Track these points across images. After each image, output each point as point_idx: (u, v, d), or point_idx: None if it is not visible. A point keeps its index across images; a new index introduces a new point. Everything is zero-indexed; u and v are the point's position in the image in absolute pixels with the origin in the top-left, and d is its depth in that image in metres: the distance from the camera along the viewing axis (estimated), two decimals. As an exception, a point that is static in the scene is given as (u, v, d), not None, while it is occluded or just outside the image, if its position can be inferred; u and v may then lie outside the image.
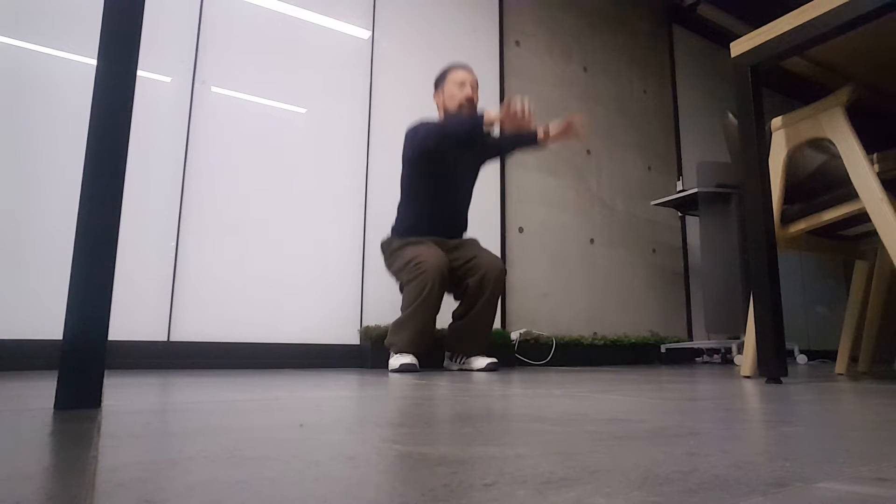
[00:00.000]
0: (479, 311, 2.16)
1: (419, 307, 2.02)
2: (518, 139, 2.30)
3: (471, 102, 2.26)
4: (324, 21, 2.66)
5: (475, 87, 2.31)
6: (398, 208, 2.31)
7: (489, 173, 3.08)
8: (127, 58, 0.82)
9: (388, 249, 2.26)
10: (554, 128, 2.22)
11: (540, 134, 2.24)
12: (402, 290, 2.15)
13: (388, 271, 2.28)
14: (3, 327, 1.82)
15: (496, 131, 2.24)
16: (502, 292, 2.25)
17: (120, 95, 0.80)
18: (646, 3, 4.26)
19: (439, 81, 2.36)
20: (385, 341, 2.14)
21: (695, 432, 0.58)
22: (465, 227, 2.38)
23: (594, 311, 3.46)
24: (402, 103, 2.82)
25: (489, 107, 3.16)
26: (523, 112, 1.98)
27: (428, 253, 2.06)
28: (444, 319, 2.23)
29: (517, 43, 3.43)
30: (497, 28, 3.29)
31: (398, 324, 2.08)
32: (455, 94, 2.27)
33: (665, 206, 3.71)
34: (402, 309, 2.09)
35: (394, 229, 2.28)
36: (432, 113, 2.40)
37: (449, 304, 2.23)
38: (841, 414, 0.75)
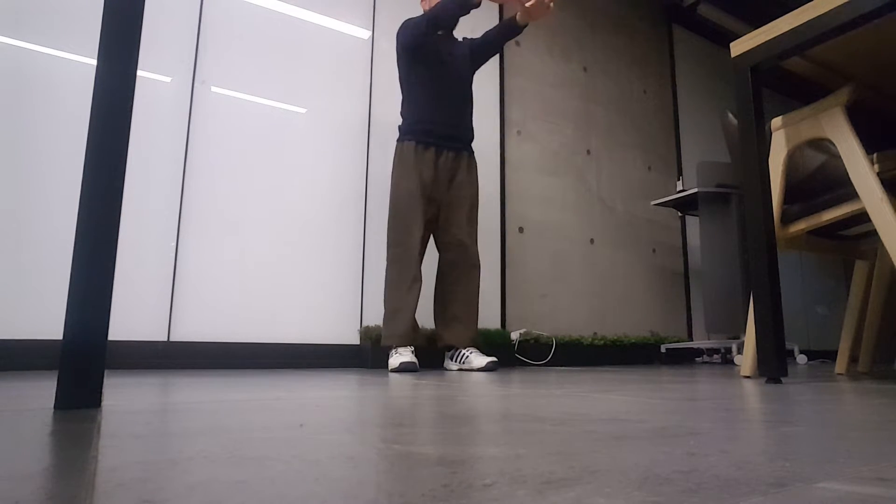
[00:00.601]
0: (463, 297, 2.25)
1: (404, 297, 2.11)
2: (502, 30, 2.36)
3: None
4: (324, 21, 2.66)
5: None
6: (401, 111, 2.36)
7: (490, 173, 3.08)
8: (127, 58, 0.82)
9: (395, 160, 2.29)
10: (523, 2, 2.24)
11: (518, 17, 2.28)
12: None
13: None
14: (3, 327, 1.82)
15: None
16: (479, 273, 2.29)
17: (120, 95, 0.80)
18: (646, 3, 4.26)
19: None
20: (381, 342, 2.16)
21: (695, 432, 0.58)
22: (470, 136, 2.40)
23: (594, 311, 3.46)
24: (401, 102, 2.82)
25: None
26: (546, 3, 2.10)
27: (411, 232, 2.16)
28: (429, 310, 2.24)
29: (517, 43, 3.43)
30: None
31: (389, 319, 2.15)
32: None
33: (665, 206, 3.71)
34: (386, 297, 2.18)
35: (400, 129, 2.33)
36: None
37: (430, 280, 2.26)
38: (841, 414, 0.75)
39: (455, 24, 2.39)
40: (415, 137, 2.26)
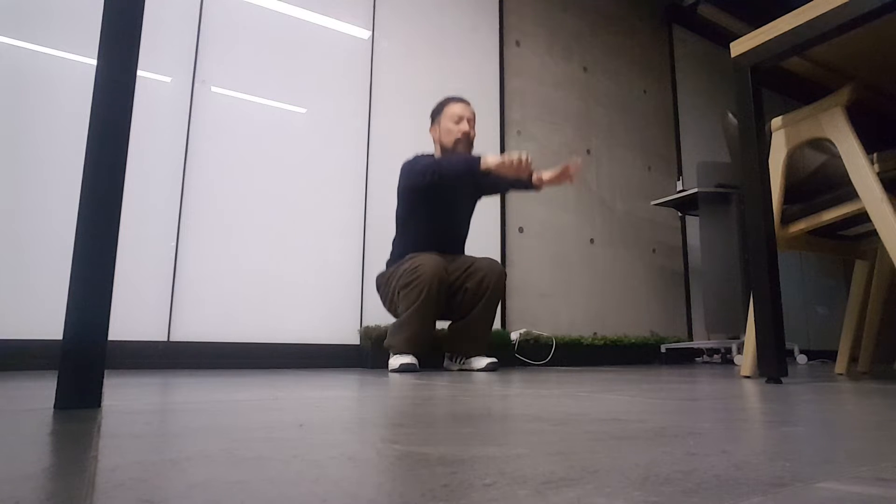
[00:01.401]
0: (479, 312, 2.15)
1: (418, 308, 2.01)
2: (515, 182, 2.26)
3: (467, 138, 2.24)
4: (324, 21, 2.66)
5: (472, 121, 2.28)
6: (393, 242, 2.29)
7: (489, 173, 3.07)
8: (127, 58, 0.82)
9: (384, 279, 2.22)
10: (548, 174, 2.17)
11: (535, 179, 2.18)
12: (396, 313, 2.14)
13: (385, 305, 2.24)
14: (3, 327, 1.82)
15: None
16: (502, 295, 2.24)
17: (120, 95, 0.80)
18: (646, 3, 4.26)
19: (435, 114, 2.32)
20: (384, 343, 2.14)
21: (695, 432, 0.58)
22: (462, 252, 2.35)
23: (594, 311, 3.46)
24: (402, 103, 2.82)
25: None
26: (522, 164, 1.96)
27: (425, 257, 2.05)
28: (443, 321, 2.23)
29: (517, 43, 3.43)
30: (497, 28, 3.29)
31: (397, 325, 2.08)
32: (451, 129, 2.23)
33: (665, 206, 3.71)
34: (401, 311, 2.08)
35: (388, 264, 2.26)
36: (431, 110, 2.39)
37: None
38: (841, 414, 0.75)
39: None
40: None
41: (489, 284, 2.14)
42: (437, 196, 2.20)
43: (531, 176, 2.17)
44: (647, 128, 4.06)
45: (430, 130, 2.35)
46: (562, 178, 2.16)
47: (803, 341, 4.52)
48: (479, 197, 2.41)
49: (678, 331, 3.87)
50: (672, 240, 4.02)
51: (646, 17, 4.25)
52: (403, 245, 2.24)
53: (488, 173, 2.06)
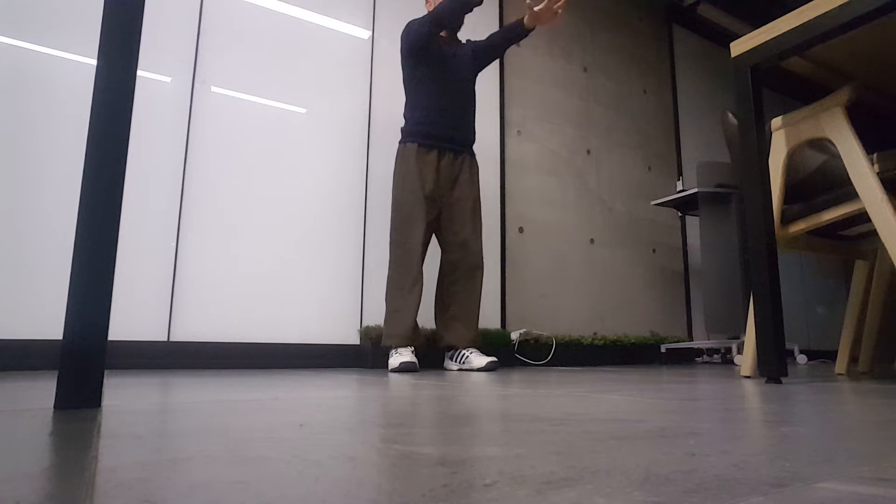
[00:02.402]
0: (464, 297, 2.24)
1: (405, 297, 2.11)
2: (507, 34, 2.36)
3: None
4: (324, 21, 2.66)
5: None
6: (404, 113, 2.36)
7: (490, 173, 3.08)
8: (127, 58, 0.82)
9: (397, 161, 2.30)
10: (536, 8, 2.24)
11: (526, 20, 2.28)
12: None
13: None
14: (3, 327, 1.82)
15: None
16: (482, 273, 2.29)
17: (120, 95, 0.80)
18: (646, 3, 4.26)
19: None
20: (381, 342, 2.16)
21: (695, 432, 0.58)
22: (472, 138, 2.40)
23: (594, 311, 3.46)
24: (402, 103, 2.82)
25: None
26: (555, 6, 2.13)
27: (413, 233, 2.16)
28: (430, 313, 2.23)
29: (517, 43, 3.42)
30: (497, 28, 3.28)
31: (389, 319, 2.15)
32: None
33: (665, 206, 3.71)
34: (388, 298, 2.17)
35: (402, 131, 2.33)
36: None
37: (431, 282, 2.25)
38: (841, 414, 0.75)
39: (460, 24, 2.39)
40: (417, 139, 2.26)
41: (462, 275, 2.25)
42: (437, 60, 2.29)
43: (520, 22, 2.30)
44: (647, 128, 4.06)
45: (426, 5, 2.45)
46: (548, 11, 2.21)
47: (803, 341, 4.51)
48: (480, 64, 2.44)
49: (678, 331, 3.87)
50: (672, 240, 4.02)
51: (646, 17, 4.25)
52: (412, 115, 2.31)
53: (482, 2, 2.15)
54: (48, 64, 2.02)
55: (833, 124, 1.53)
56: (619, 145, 3.85)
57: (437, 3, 2.35)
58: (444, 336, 2.26)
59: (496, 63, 3.26)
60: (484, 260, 2.32)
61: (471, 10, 2.20)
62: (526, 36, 2.35)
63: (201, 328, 2.16)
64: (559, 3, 2.20)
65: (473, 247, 2.27)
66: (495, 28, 3.28)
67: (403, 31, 2.31)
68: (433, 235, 2.32)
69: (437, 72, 2.30)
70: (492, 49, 2.43)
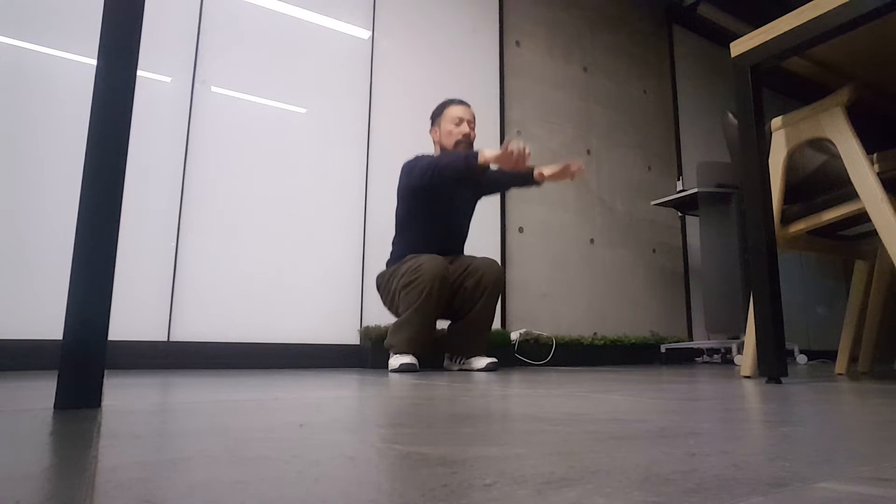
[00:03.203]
0: (479, 311, 2.15)
1: (419, 308, 2.02)
2: (515, 178, 2.27)
3: (468, 139, 2.25)
4: (324, 21, 2.66)
5: (472, 123, 2.29)
6: (393, 243, 2.29)
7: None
8: (127, 58, 0.82)
9: (384, 279, 2.22)
10: (549, 170, 2.18)
11: (535, 174, 2.19)
12: (397, 312, 2.14)
13: (385, 305, 2.24)
14: (3, 327, 1.82)
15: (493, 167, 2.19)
16: (501, 292, 2.24)
17: (120, 95, 0.80)
18: (646, 3, 4.26)
19: (435, 116, 2.33)
20: (384, 342, 2.14)
21: (695, 432, 0.58)
22: (461, 253, 2.35)
23: (594, 311, 3.46)
24: (402, 103, 2.82)
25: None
26: (520, 155, 1.95)
27: (426, 257, 2.05)
28: (443, 321, 2.23)
29: (517, 43, 3.43)
30: (497, 28, 3.29)
31: (398, 325, 2.09)
32: (452, 130, 2.24)
33: (665, 206, 3.71)
34: (402, 311, 2.08)
35: (389, 264, 2.26)
36: (432, 112, 2.39)
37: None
38: (841, 414, 0.75)
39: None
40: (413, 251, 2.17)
41: (488, 283, 2.14)
42: (437, 197, 2.20)
43: (531, 172, 2.18)
44: (647, 128, 4.06)
45: (431, 132, 2.35)
46: (563, 174, 2.17)
47: (803, 341, 4.51)
48: (480, 197, 2.41)
49: (678, 331, 3.87)
50: (672, 240, 4.02)
51: (646, 17, 4.25)
52: (403, 246, 2.24)
53: (487, 168, 2.06)
54: (48, 64, 2.02)
55: (833, 124, 1.53)
56: (619, 145, 3.85)
57: (442, 136, 2.27)
58: (452, 344, 2.23)
59: (496, 63, 3.26)
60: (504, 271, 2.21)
61: (473, 178, 2.11)
62: (535, 186, 2.27)
63: (201, 328, 2.16)
64: (573, 172, 2.14)
65: (486, 259, 2.20)
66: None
67: (406, 166, 2.20)
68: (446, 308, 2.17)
69: (436, 212, 2.22)
70: (496, 186, 2.39)
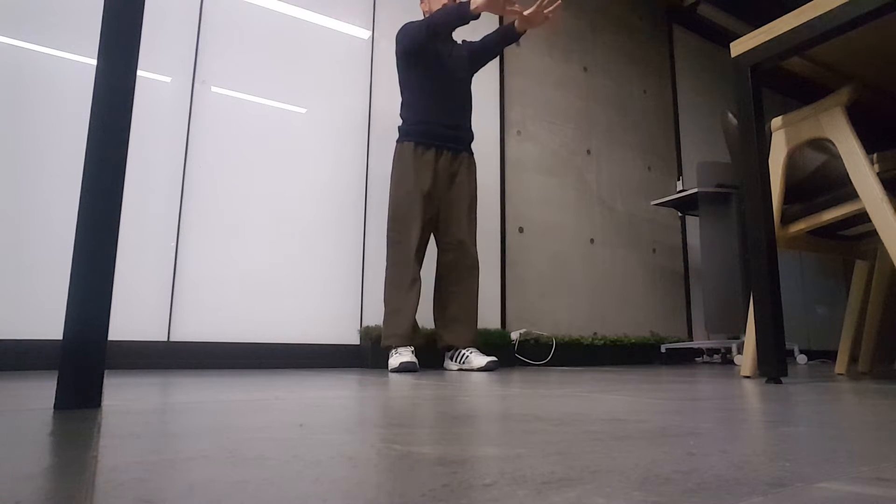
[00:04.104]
0: (462, 297, 2.25)
1: (404, 297, 2.12)
2: (505, 36, 2.37)
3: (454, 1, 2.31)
4: (324, 21, 2.66)
5: None
6: (400, 112, 2.36)
7: (490, 173, 3.08)
8: (127, 58, 0.82)
9: (395, 160, 2.31)
10: (526, 13, 2.25)
11: (517, 24, 2.30)
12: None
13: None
14: (3, 327, 1.82)
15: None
16: (478, 273, 2.32)
17: (120, 95, 0.80)
18: (646, 3, 4.26)
19: None
20: (381, 343, 2.17)
21: (695, 432, 0.58)
22: (470, 137, 2.40)
23: (594, 311, 3.46)
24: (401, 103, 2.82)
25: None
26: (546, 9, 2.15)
27: (411, 231, 2.17)
28: (429, 314, 2.23)
29: (517, 43, 3.42)
30: (497, 23, 3.28)
31: (389, 319, 2.16)
32: None
33: (665, 206, 3.71)
34: (386, 298, 2.18)
35: (399, 130, 2.34)
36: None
37: (430, 278, 2.25)
38: (841, 414, 0.75)
39: (453, 31, 2.39)
40: (414, 138, 2.26)
41: (460, 275, 2.26)
42: (432, 60, 2.30)
43: (514, 26, 2.32)
44: (647, 128, 4.06)
45: (420, 4, 2.46)
46: (538, 15, 2.23)
47: (803, 341, 4.51)
48: (475, 65, 2.46)
49: (678, 331, 3.87)
50: (672, 240, 4.02)
51: (646, 17, 4.25)
52: (408, 116, 2.31)
53: (479, 16, 2.15)
54: (48, 64, 2.02)
55: (833, 124, 1.53)
56: (619, 145, 3.85)
57: (432, 3, 2.36)
58: (444, 336, 2.26)
59: (496, 63, 3.26)
60: (479, 260, 2.32)
61: (466, 23, 2.20)
62: (519, 38, 2.37)
63: (201, 328, 2.16)
64: (549, 8, 2.21)
65: (470, 247, 2.28)
66: (495, 23, 3.28)
67: (398, 33, 2.32)
68: (430, 236, 2.32)
69: (433, 72, 2.31)
70: (487, 51, 2.44)
